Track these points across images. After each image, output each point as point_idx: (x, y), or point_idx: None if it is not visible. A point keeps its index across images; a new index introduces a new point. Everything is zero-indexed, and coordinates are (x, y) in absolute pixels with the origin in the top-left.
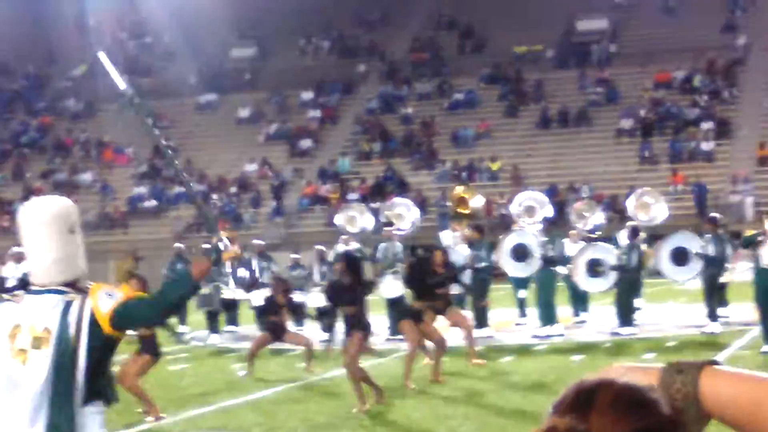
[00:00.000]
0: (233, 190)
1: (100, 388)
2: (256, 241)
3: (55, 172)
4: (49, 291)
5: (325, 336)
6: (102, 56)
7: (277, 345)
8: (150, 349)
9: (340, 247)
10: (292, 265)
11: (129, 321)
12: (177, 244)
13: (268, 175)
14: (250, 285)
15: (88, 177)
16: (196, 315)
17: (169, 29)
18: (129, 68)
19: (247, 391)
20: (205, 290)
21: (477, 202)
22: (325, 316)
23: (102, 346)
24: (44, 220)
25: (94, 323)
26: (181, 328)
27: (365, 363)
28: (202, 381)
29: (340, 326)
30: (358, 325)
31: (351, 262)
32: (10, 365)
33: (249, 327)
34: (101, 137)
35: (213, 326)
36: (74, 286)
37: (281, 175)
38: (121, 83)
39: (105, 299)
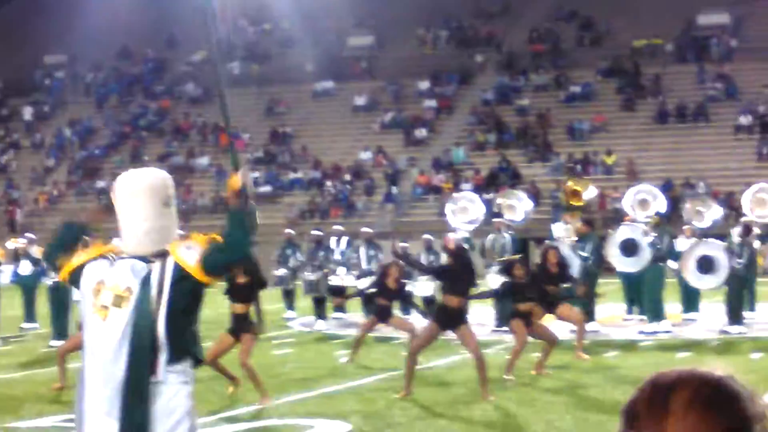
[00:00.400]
0: (347, 177)
1: (187, 345)
2: (364, 229)
3: (172, 156)
4: (137, 257)
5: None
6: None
7: (382, 333)
8: (246, 327)
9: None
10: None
11: (219, 263)
12: (287, 230)
13: (382, 163)
14: (358, 273)
15: (204, 161)
16: (303, 301)
17: (288, 16)
18: (248, 54)
19: (349, 378)
20: (312, 277)
21: (590, 193)
22: (431, 305)
23: (191, 298)
24: (140, 190)
25: (182, 277)
26: (288, 313)
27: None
28: (305, 366)
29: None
30: (461, 317)
31: (459, 251)
32: (92, 320)
33: (356, 314)
34: (218, 122)
35: (320, 312)
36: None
37: (395, 164)
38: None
39: (187, 252)
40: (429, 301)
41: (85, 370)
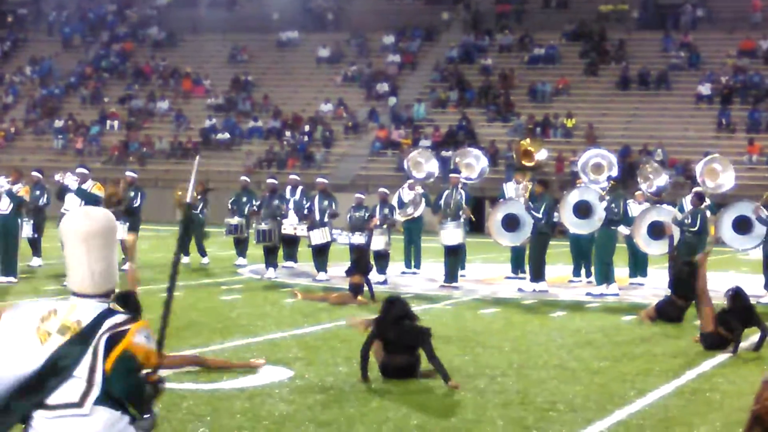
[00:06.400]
0: (307, 128)
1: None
2: (319, 180)
3: (132, 99)
4: (93, 296)
5: (382, 278)
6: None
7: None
8: None
9: (405, 192)
10: (355, 206)
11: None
12: (243, 177)
13: (343, 116)
14: (311, 223)
15: (164, 105)
16: (255, 249)
17: None
18: (213, 1)
19: (294, 326)
20: (264, 225)
21: (541, 155)
22: (382, 259)
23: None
24: (95, 232)
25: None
26: (239, 260)
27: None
28: (252, 313)
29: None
30: None
31: None
32: (29, 340)
33: (306, 264)
34: (180, 67)
35: (270, 261)
36: (108, 297)
37: (355, 117)
38: None
39: (140, 340)
40: (380, 255)
41: None
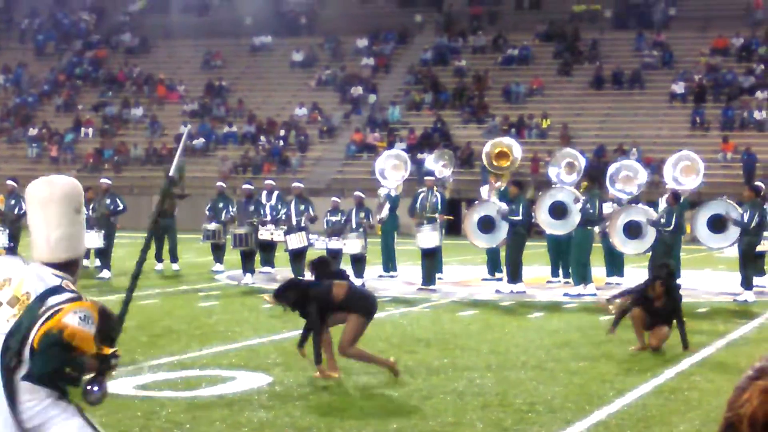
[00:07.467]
0: (282, 133)
1: (53, 378)
2: (295, 184)
3: (106, 106)
4: (51, 265)
5: (359, 281)
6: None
7: None
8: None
9: (381, 192)
10: (332, 210)
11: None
12: (219, 183)
13: (317, 119)
14: (288, 228)
15: (138, 112)
16: (232, 254)
17: None
18: (186, 6)
19: (272, 332)
20: (241, 230)
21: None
22: (359, 263)
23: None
24: (54, 198)
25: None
26: (216, 266)
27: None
28: (230, 319)
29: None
30: None
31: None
32: None
33: (284, 269)
34: (154, 73)
35: (248, 266)
36: (69, 267)
37: (330, 121)
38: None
39: (73, 318)
40: (357, 258)
41: None
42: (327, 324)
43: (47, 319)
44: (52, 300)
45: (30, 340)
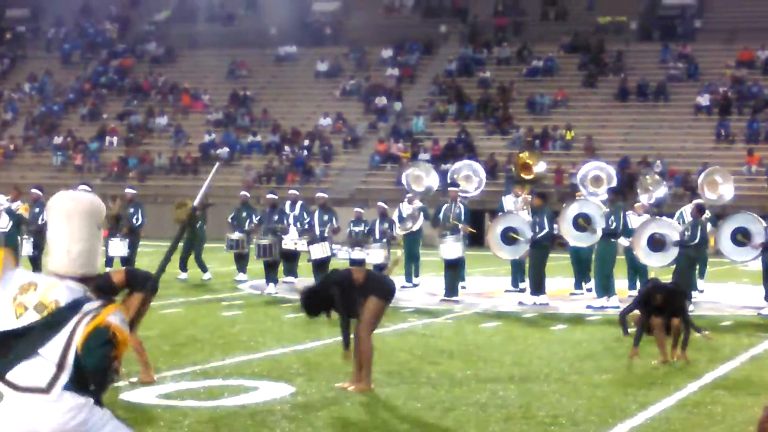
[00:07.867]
0: (306, 143)
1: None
2: (319, 194)
3: (131, 114)
4: (69, 278)
5: None
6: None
7: None
8: None
9: (404, 206)
10: (355, 220)
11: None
12: (243, 192)
13: (341, 130)
14: (311, 238)
15: (163, 121)
16: (255, 264)
17: None
18: (211, 15)
19: (295, 342)
20: (264, 240)
21: (540, 168)
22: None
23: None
24: (78, 211)
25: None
26: (240, 276)
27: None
28: (253, 329)
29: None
30: None
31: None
32: (4, 308)
33: (306, 279)
34: (179, 82)
35: (271, 276)
36: (85, 283)
37: (355, 131)
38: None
39: (114, 318)
40: (380, 268)
41: None
42: (357, 313)
43: (92, 318)
44: (88, 306)
45: (74, 344)
